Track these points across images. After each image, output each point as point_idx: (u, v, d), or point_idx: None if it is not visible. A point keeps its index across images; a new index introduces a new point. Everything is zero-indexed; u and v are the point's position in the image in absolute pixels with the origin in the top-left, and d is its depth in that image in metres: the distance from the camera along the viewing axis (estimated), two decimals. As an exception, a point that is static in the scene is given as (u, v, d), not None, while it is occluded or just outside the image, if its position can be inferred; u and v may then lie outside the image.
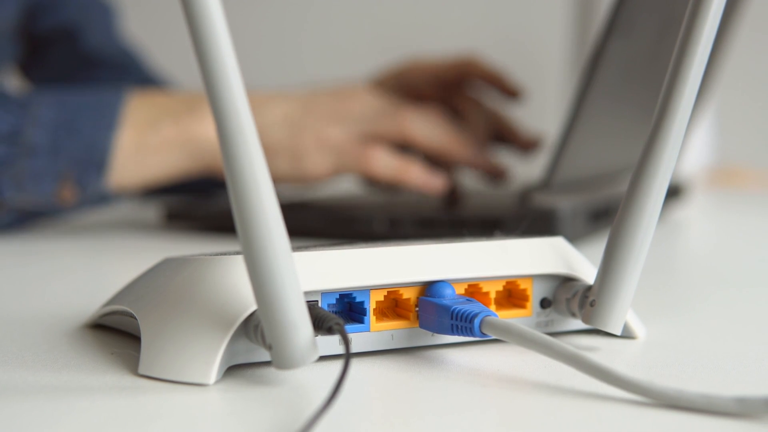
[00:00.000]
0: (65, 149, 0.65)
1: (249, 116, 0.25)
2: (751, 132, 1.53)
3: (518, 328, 0.30)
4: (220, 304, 0.30)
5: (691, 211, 0.90)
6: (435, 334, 0.33)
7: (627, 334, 0.35)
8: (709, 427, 0.25)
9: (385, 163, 0.69)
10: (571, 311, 0.34)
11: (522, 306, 0.35)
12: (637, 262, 0.31)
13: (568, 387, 0.29)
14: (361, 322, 0.32)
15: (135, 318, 0.32)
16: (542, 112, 1.48)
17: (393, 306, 0.33)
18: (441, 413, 0.27)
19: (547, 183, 0.62)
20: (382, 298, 0.32)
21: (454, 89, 0.78)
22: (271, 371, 0.30)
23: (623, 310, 0.32)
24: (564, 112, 0.63)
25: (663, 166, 0.30)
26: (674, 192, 0.81)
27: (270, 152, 0.68)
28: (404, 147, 0.71)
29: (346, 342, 0.27)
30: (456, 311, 0.31)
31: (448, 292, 0.32)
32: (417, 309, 0.33)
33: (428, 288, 0.33)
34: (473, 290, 0.34)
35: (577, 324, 0.35)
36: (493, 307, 0.34)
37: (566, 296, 0.34)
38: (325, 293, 0.31)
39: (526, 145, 0.79)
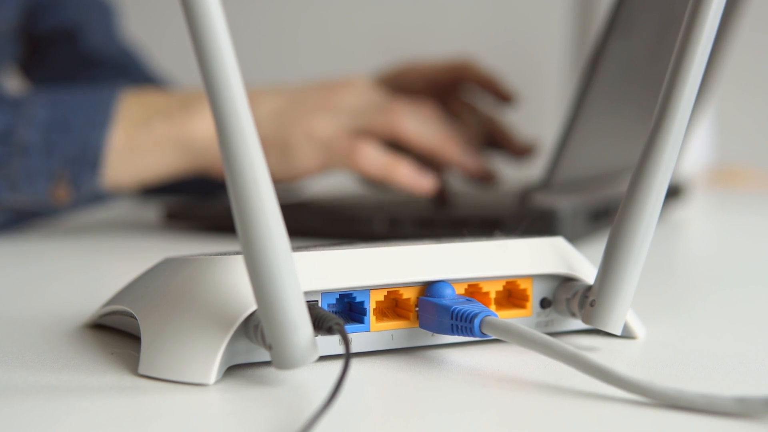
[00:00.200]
0: (58, 148, 0.65)
1: (249, 117, 0.25)
2: (751, 132, 1.53)
3: (518, 328, 0.30)
4: (220, 304, 0.30)
5: (691, 211, 0.90)
6: (435, 334, 0.33)
7: (627, 334, 0.35)
8: (709, 427, 0.25)
9: (374, 159, 0.68)
10: (571, 311, 0.34)
11: (522, 306, 0.35)
12: (637, 262, 0.31)
13: (568, 387, 0.29)
14: (361, 322, 0.32)
15: (135, 318, 0.32)
16: (542, 113, 1.48)
17: (393, 306, 0.33)
18: (441, 413, 0.27)
19: (547, 183, 0.62)
20: (382, 298, 0.32)
21: (448, 93, 0.77)
22: (271, 371, 0.30)
23: (623, 310, 0.32)
24: (564, 113, 0.63)
25: (663, 166, 0.30)
26: (674, 192, 0.81)
27: None
28: (396, 145, 0.71)
29: (346, 342, 0.27)
30: (456, 311, 0.31)
31: (448, 292, 0.32)
32: (417, 309, 0.33)
33: (428, 288, 0.33)
34: (473, 290, 0.34)
35: (577, 324, 0.35)
36: (493, 307, 0.34)
37: (566, 296, 0.34)
38: (325, 293, 0.31)
39: (519, 151, 0.78)
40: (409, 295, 0.33)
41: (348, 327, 0.32)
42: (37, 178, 0.65)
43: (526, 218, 0.60)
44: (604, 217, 0.67)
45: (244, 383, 0.29)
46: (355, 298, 0.32)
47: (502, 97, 0.76)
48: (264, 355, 0.31)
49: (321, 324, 0.29)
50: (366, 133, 0.69)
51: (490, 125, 0.78)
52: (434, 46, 1.51)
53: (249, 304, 0.29)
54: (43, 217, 0.68)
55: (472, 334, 0.31)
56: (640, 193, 0.31)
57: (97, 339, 0.35)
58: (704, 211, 0.99)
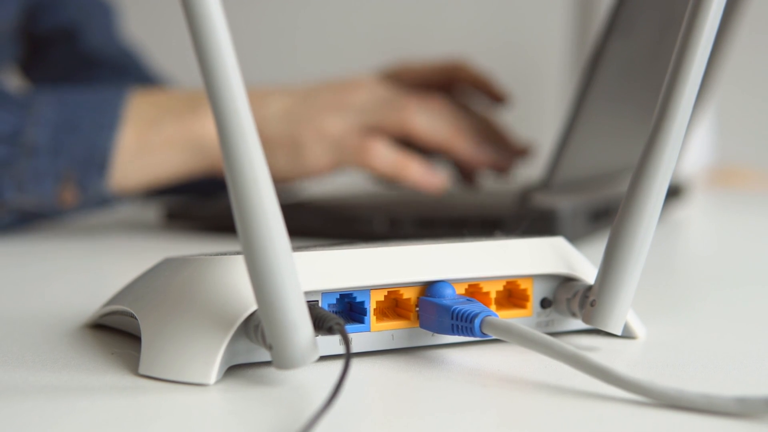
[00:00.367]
0: (66, 149, 0.64)
1: (249, 117, 0.25)
2: (751, 132, 1.53)
3: (518, 328, 0.30)
4: (221, 304, 0.30)
5: (691, 211, 0.90)
6: (435, 334, 0.33)
7: (627, 334, 0.35)
8: (710, 427, 0.25)
9: (384, 157, 0.68)
10: (572, 311, 0.34)
11: (522, 306, 0.35)
12: (637, 262, 0.31)
13: (569, 387, 0.29)
14: (362, 322, 0.32)
15: (135, 318, 0.32)
16: (542, 113, 1.48)
17: (393, 306, 0.33)
18: (441, 413, 0.27)
19: (547, 183, 0.62)
20: (382, 298, 0.32)
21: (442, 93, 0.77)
22: (271, 371, 0.30)
23: (623, 310, 0.32)
24: (564, 113, 0.63)
25: (663, 166, 0.30)
26: (674, 192, 0.81)
27: (269, 146, 0.68)
28: (408, 143, 0.71)
29: (346, 342, 0.27)
30: (456, 311, 0.31)
31: (448, 292, 0.32)
32: (417, 309, 0.33)
33: (428, 288, 0.33)
34: (473, 290, 0.34)
35: (578, 324, 0.35)
36: (493, 307, 0.34)
37: (566, 296, 0.34)
38: (325, 293, 0.31)
39: (515, 152, 0.77)
40: (409, 295, 0.33)
41: (348, 327, 0.32)
42: (44, 179, 0.65)
43: (526, 218, 0.60)
44: (604, 217, 0.67)
45: (244, 383, 0.29)
46: (355, 298, 0.32)
47: (496, 97, 0.76)
48: (264, 355, 0.31)
49: (321, 324, 0.29)
50: (376, 130, 0.69)
51: (485, 125, 0.77)
52: (434, 46, 1.51)
53: (249, 304, 0.29)
54: (48, 219, 0.68)
55: (473, 334, 0.31)
56: (641, 193, 0.31)
57: (97, 339, 0.35)
58: (704, 211, 0.99)
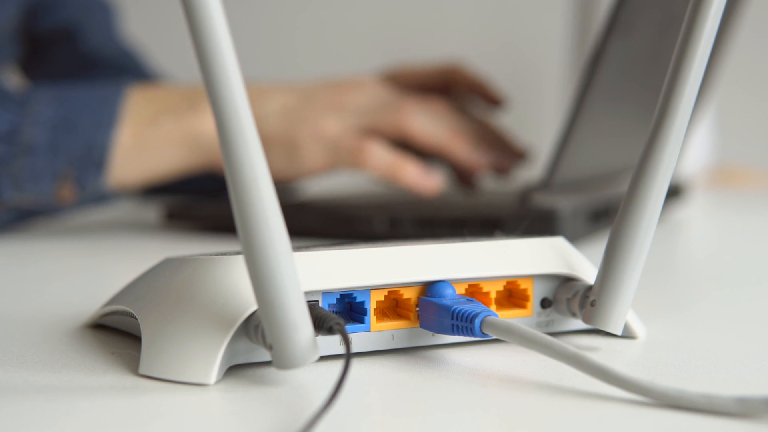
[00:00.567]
0: (64, 148, 0.64)
1: (250, 117, 0.25)
2: (751, 132, 1.53)
3: (519, 328, 0.30)
4: (221, 304, 0.30)
5: (691, 211, 0.90)
6: (435, 334, 0.33)
7: (627, 334, 0.35)
8: (710, 427, 0.25)
9: (380, 159, 0.67)
10: (572, 311, 0.34)
11: (522, 306, 0.35)
12: (637, 262, 0.31)
13: (569, 387, 0.29)
14: (362, 322, 0.32)
15: (135, 318, 0.32)
16: (541, 113, 1.48)
17: (393, 306, 0.33)
18: (441, 413, 0.27)
19: (547, 183, 0.62)
20: (382, 298, 0.32)
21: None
22: (271, 371, 0.30)
23: (624, 310, 0.32)
24: (564, 113, 0.63)
25: (663, 166, 0.30)
26: (674, 192, 0.81)
27: (265, 144, 0.67)
28: (407, 145, 0.70)
29: (346, 342, 0.27)
30: (456, 311, 0.31)
31: (448, 292, 0.32)
32: (417, 309, 0.33)
33: (429, 288, 0.33)
34: (474, 290, 0.34)
35: (578, 324, 0.35)
36: (493, 307, 0.34)
37: (567, 296, 0.34)
38: (325, 293, 0.31)
39: (513, 155, 0.77)
40: (409, 295, 0.33)
41: (348, 327, 0.32)
42: (41, 177, 0.64)
43: (527, 218, 0.60)
44: (604, 217, 0.67)
45: (244, 383, 0.29)
46: (355, 298, 0.32)
47: (492, 100, 0.76)
48: (264, 355, 0.31)
49: (321, 324, 0.29)
50: (373, 132, 0.69)
51: (483, 129, 0.77)
52: (434, 46, 1.51)
53: (249, 304, 0.29)
54: (47, 216, 0.68)
55: (473, 334, 0.31)
56: (641, 193, 0.31)
57: (97, 339, 0.35)
58: (704, 211, 0.99)
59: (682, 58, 0.29)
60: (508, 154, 0.75)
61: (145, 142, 0.67)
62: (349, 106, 0.69)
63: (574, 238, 0.57)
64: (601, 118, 0.67)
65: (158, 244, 0.66)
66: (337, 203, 0.73)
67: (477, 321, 0.31)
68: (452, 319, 0.31)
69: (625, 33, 0.61)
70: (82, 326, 0.37)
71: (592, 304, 0.32)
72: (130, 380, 0.29)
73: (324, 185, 0.92)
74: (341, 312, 0.32)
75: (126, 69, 0.91)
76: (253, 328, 0.29)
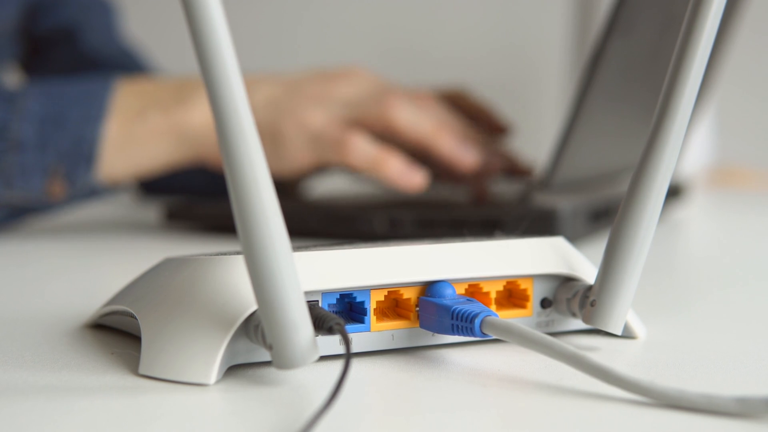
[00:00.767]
0: (53, 143, 0.64)
1: (250, 116, 0.25)
2: (751, 132, 1.53)
3: (519, 328, 0.30)
4: (221, 304, 0.30)
5: (691, 211, 0.90)
6: (435, 334, 0.33)
7: (627, 334, 0.35)
8: (710, 427, 0.25)
9: (362, 152, 0.66)
10: (572, 311, 0.34)
11: (522, 306, 0.35)
12: (637, 262, 0.31)
13: (569, 387, 0.29)
14: (362, 322, 0.32)
15: (135, 318, 0.32)
16: (542, 113, 1.48)
17: (393, 306, 0.33)
18: (441, 413, 0.27)
19: (547, 183, 0.62)
20: (382, 298, 0.32)
21: None
22: (271, 371, 0.30)
23: (623, 310, 0.32)
24: (564, 113, 0.63)
25: (663, 166, 0.30)
26: (674, 192, 0.81)
27: None
28: (393, 141, 0.68)
29: (346, 342, 0.27)
30: (456, 311, 0.31)
31: (448, 292, 0.32)
32: (417, 309, 0.33)
33: (429, 288, 0.33)
34: (474, 290, 0.34)
35: (578, 324, 0.35)
36: (493, 307, 0.34)
37: (567, 296, 0.34)
38: (325, 293, 0.31)
39: (523, 173, 0.74)
40: (409, 295, 0.33)
41: (348, 327, 0.32)
42: (31, 174, 0.64)
43: (527, 218, 0.60)
44: (604, 217, 0.67)
45: (244, 383, 0.29)
46: (355, 298, 0.32)
47: (496, 127, 0.74)
48: (264, 355, 0.31)
49: (321, 324, 0.29)
50: (359, 124, 0.67)
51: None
52: (434, 46, 1.51)
53: (249, 304, 0.29)
54: (38, 213, 0.68)
55: (473, 334, 0.31)
56: (641, 193, 0.31)
57: (97, 339, 0.35)
58: (704, 211, 0.99)
59: (682, 58, 0.29)
60: (517, 172, 0.74)
61: (133, 136, 0.66)
62: (336, 97, 0.68)
63: (574, 238, 0.57)
64: (601, 118, 0.67)
65: (158, 244, 0.66)
66: (337, 203, 0.73)
67: (477, 321, 0.31)
68: (452, 319, 0.31)
69: (625, 33, 0.61)
70: (82, 326, 0.37)
71: (592, 304, 0.32)
72: (130, 380, 0.29)
73: (324, 185, 0.92)
74: (341, 312, 0.32)
75: (126, 69, 0.91)
76: (253, 328, 0.29)
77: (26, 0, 0.86)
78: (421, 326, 0.33)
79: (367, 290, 0.32)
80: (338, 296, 0.32)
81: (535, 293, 0.35)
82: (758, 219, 0.90)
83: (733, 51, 0.96)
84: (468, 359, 0.32)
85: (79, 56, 0.90)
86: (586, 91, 0.60)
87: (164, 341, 0.30)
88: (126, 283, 0.36)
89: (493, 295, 0.34)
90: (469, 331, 0.31)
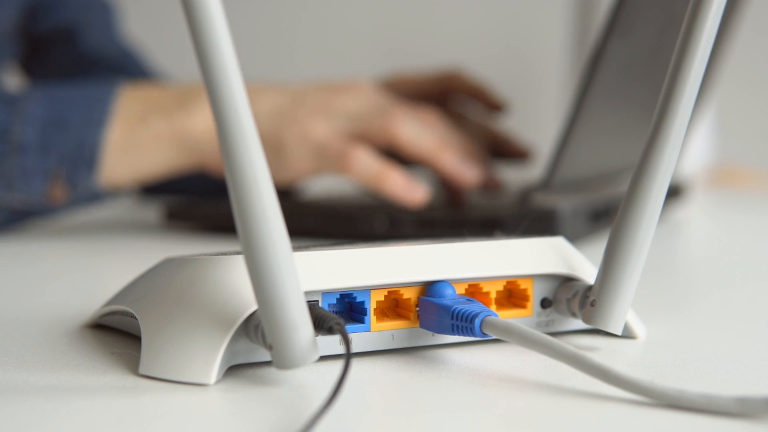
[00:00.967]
0: (55, 146, 0.64)
1: (250, 118, 0.25)
2: (751, 132, 1.53)
3: (519, 328, 0.30)
4: (221, 304, 0.30)
5: (691, 211, 0.90)
6: (435, 334, 0.33)
7: (627, 334, 0.35)
8: (710, 427, 0.25)
9: (365, 165, 0.66)
10: (572, 311, 0.34)
11: (522, 306, 0.35)
12: (637, 262, 0.31)
13: (569, 387, 0.29)
14: (362, 322, 0.32)
15: (135, 318, 0.32)
16: (542, 113, 1.48)
17: (393, 306, 0.33)
18: (441, 413, 0.27)
19: (547, 183, 0.62)
20: (382, 298, 0.32)
21: (438, 103, 0.75)
22: (271, 371, 0.30)
23: (624, 310, 0.32)
24: (564, 113, 0.63)
25: (663, 166, 0.30)
26: (674, 192, 0.81)
27: None
28: (394, 154, 0.68)
29: (346, 342, 0.27)
30: (456, 311, 0.31)
31: (448, 292, 0.32)
32: (417, 309, 0.33)
33: (429, 288, 0.33)
34: (474, 290, 0.34)
35: (578, 324, 0.35)
36: (493, 307, 0.34)
37: (567, 296, 0.34)
38: (325, 293, 0.31)
39: (520, 154, 0.75)
40: (409, 295, 0.33)
41: (348, 327, 0.32)
42: (33, 177, 0.64)
43: (527, 218, 0.60)
44: (604, 217, 0.67)
45: (244, 383, 0.29)
46: (355, 298, 0.32)
47: (492, 105, 0.75)
48: (264, 355, 0.31)
49: (321, 324, 0.29)
50: (362, 138, 0.67)
51: (486, 133, 0.76)
52: (434, 46, 1.51)
53: (249, 304, 0.29)
54: (39, 217, 0.68)
55: (473, 334, 0.31)
56: (641, 193, 0.31)
57: (97, 339, 0.35)
58: (704, 211, 0.99)
59: (682, 58, 0.29)
60: (515, 153, 0.75)
61: (135, 141, 0.66)
62: (340, 109, 0.68)
63: (574, 238, 0.57)
64: (601, 118, 0.67)
65: (158, 244, 0.66)
66: (337, 203, 0.73)
67: (477, 321, 0.31)
68: (452, 319, 0.31)
69: (625, 33, 0.61)
70: (82, 326, 0.37)
71: (592, 304, 0.32)
72: (130, 380, 0.29)
73: (324, 185, 0.92)
74: (341, 312, 0.32)
75: (126, 69, 0.91)
76: (253, 328, 0.29)
77: (26, 0, 0.86)
78: (421, 326, 0.33)
79: (367, 290, 0.32)
80: (338, 296, 0.32)
81: (535, 293, 0.35)
82: (758, 219, 0.90)
83: (733, 51, 0.96)
84: (468, 359, 0.32)
85: (78, 56, 0.90)
86: (586, 91, 0.60)
87: (164, 341, 0.30)
88: (126, 283, 0.36)
89: (493, 295, 0.34)
90: (469, 331, 0.31)
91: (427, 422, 0.26)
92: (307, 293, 0.31)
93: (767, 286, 0.53)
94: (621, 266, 0.32)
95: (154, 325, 0.31)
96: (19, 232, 0.69)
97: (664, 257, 0.62)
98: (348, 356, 0.27)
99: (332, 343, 0.32)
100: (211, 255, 0.32)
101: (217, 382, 0.29)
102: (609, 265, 0.32)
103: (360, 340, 0.32)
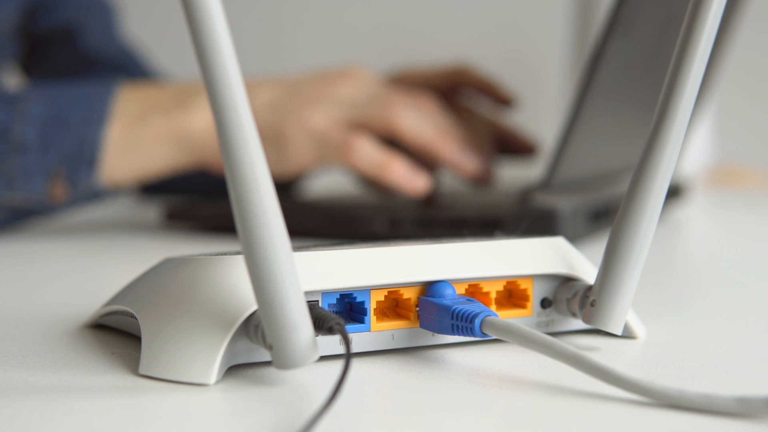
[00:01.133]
0: (55, 145, 0.64)
1: (250, 117, 0.25)
2: (751, 132, 1.53)
3: (519, 328, 0.30)
4: (221, 304, 0.30)
5: (691, 211, 0.90)
6: (435, 334, 0.33)
7: (627, 334, 0.35)
8: (710, 427, 0.25)
9: (367, 155, 0.66)
10: (572, 311, 0.34)
11: (522, 306, 0.35)
12: (637, 262, 0.31)
13: (569, 387, 0.29)
14: (362, 322, 0.32)
15: (135, 318, 0.32)
16: (542, 113, 1.48)
17: (393, 306, 0.33)
18: (441, 413, 0.27)
19: (547, 183, 0.62)
20: (382, 298, 0.32)
21: (446, 98, 0.76)
22: (271, 371, 0.30)
23: (624, 309, 0.32)
24: (564, 113, 0.63)
25: (663, 166, 0.30)
26: (674, 192, 0.81)
27: None
28: (393, 141, 0.68)
29: (346, 342, 0.27)
30: (456, 311, 0.31)
31: (448, 292, 0.32)
32: (417, 309, 0.33)
33: (429, 288, 0.33)
34: (474, 290, 0.34)
35: (578, 324, 0.35)
36: (493, 307, 0.34)
37: (567, 296, 0.34)
38: (325, 293, 0.31)
39: (527, 149, 0.76)
40: (409, 295, 0.33)
41: (348, 327, 0.32)
42: (33, 176, 0.64)
43: (527, 218, 0.60)
44: (604, 217, 0.67)
45: (244, 383, 0.29)
46: (355, 298, 0.32)
47: (501, 100, 0.75)
48: (264, 355, 0.31)
49: (321, 324, 0.29)
50: (362, 126, 0.67)
51: (493, 128, 0.77)
52: (434, 46, 1.51)
53: (249, 304, 0.29)
54: (40, 216, 0.68)
55: (473, 334, 0.31)
56: (641, 193, 0.31)
57: (97, 339, 0.35)
58: (704, 211, 0.99)
59: (682, 58, 0.29)
60: (522, 149, 0.75)
61: (135, 140, 0.66)
62: (337, 98, 0.68)
63: (574, 238, 0.57)
64: (601, 118, 0.67)
65: (158, 244, 0.66)
66: (337, 203, 0.73)
67: (477, 321, 0.31)
68: (452, 319, 0.31)
69: (625, 33, 0.61)
70: (82, 326, 0.37)
71: (592, 304, 0.32)
72: (130, 380, 0.29)
73: (324, 185, 0.92)
74: (341, 312, 0.32)
75: (126, 69, 0.91)
76: (253, 328, 0.29)
77: (26, 0, 0.86)
78: (421, 326, 0.33)
79: (367, 290, 0.32)
80: (338, 296, 0.32)
81: (535, 293, 0.35)
82: (758, 219, 0.90)
83: (733, 51, 0.96)
84: (468, 359, 0.32)
85: (78, 56, 0.90)
86: (586, 91, 0.60)
87: (164, 341, 0.30)
88: (126, 283, 0.36)
89: (493, 295, 0.34)
90: (469, 331, 0.31)
91: (427, 422, 0.26)
92: (307, 293, 0.31)
93: (767, 286, 0.53)
94: (621, 266, 0.32)
95: (154, 325, 0.31)
96: (19, 232, 0.69)
97: (664, 257, 0.62)
98: (348, 356, 0.27)
99: (332, 343, 0.32)
100: (211, 255, 0.32)
101: (217, 382, 0.29)
102: (609, 265, 0.32)
103: (360, 340, 0.32)
